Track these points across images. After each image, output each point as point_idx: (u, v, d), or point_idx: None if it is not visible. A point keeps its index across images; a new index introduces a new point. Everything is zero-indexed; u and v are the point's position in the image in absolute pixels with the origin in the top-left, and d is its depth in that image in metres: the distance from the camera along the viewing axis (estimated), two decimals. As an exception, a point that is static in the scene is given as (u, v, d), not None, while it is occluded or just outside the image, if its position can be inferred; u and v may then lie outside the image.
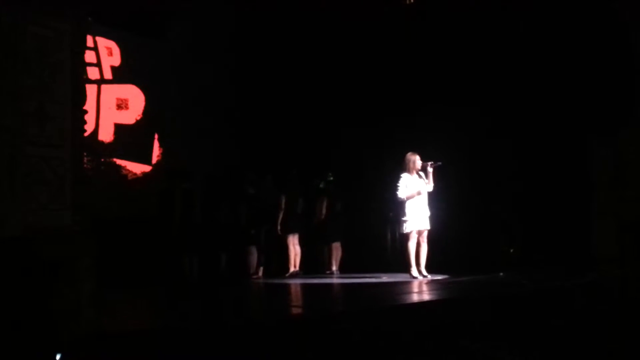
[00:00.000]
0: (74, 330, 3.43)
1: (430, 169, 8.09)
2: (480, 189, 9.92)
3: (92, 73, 9.65)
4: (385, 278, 8.37)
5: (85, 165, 4.66)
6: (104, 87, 9.90)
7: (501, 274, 7.99)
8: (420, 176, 8.15)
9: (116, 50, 10.05)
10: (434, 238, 8.26)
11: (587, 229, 8.82)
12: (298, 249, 9.69)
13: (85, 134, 4.74)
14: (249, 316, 5.37)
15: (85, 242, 3.91)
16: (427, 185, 8.12)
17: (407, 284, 7.57)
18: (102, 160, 9.80)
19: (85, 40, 4.46)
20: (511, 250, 9.81)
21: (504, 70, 9.48)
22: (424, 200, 8.12)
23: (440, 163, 8.11)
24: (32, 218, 3.81)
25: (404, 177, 8.11)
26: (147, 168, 10.28)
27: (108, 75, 9.97)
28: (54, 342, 3.12)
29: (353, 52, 10.57)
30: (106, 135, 9.90)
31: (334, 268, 9.91)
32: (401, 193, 8.07)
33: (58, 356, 2.81)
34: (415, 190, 8.06)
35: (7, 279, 3.22)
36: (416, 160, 8.15)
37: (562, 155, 9.31)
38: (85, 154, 4.61)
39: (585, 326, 5.15)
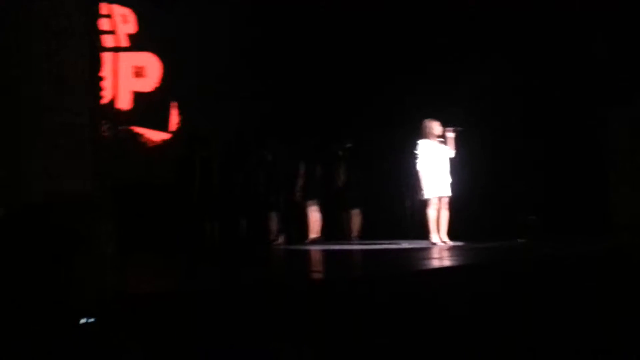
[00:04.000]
0: (98, 295, 3.46)
1: (451, 135, 8.00)
2: (501, 158, 9.81)
3: (108, 41, 9.62)
4: (405, 244, 8.36)
5: (103, 133, 4.66)
6: (120, 55, 9.89)
7: (521, 240, 7.94)
8: (440, 142, 8.07)
9: (131, 17, 10.00)
10: (455, 205, 8.20)
11: (605, 197, 8.74)
12: (318, 215, 9.69)
13: (104, 102, 4.73)
14: (269, 279, 5.39)
15: (105, 208, 3.92)
16: (448, 151, 8.04)
17: (428, 250, 7.56)
18: (121, 127, 9.82)
19: (98, 7, 4.42)
20: (532, 217, 9.73)
21: (521, 39, 9.31)
22: (444, 167, 8.05)
23: (461, 128, 8.02)
24: (53, 185, 3.82)
25: (422, 143, 8.04)
26: (166, 135, 10.30)
27: (124, 43, 9.93)
28: (78, 306, 3.15)
29: (376, 14, 10.40)
30: (124, 103, 9.90)
31: (354, 234, 9.91)
32: (419, 161, 8.01)
33: (83, 320, 2.84)
34: (433, 157, 7.98)
35: (30, 246, 3.24)
36: (434, 126, 8.06)
37: (579, 124, 9.19)
38: (103, 121, 4.60)
39: (603, 293, 5.11)
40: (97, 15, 4.45)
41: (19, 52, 3.79)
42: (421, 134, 8.08)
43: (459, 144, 8.06)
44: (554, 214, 9.30)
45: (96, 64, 4.27)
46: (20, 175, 3.67)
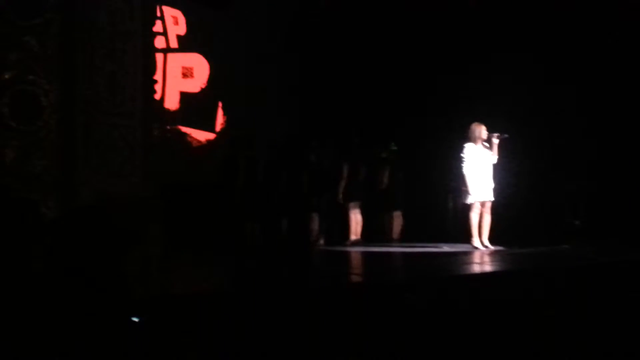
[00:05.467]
0: (145, 293, 3.58)
1: (495, 140, 7.96)
2: (546, 161, 9.70)
3: (159, 42, 9.82)
4: (446, 248, 8.34)
5: (153, 133, 4.79)
6: (169, 55, 10.09)
7: (566, 246, 7.85)
8: (485, 147, 8.03)
9: (181, 19, 10.20)
10: (498, 209, 8.16)
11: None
12: (359, 217, 9.72)
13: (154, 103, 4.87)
14: (308, 282, 5.46)
15: (154, 208, 4.05)
16: (491, 156, 8.01)
17: (469, 254, 7.52)
18: (168, 127, 10.02)
19: (155, 11, 4.57)
20: (576, 222, 9.60)
21: (571, 36, 9.19)
22: (488, 171, 8.01)
23: (506, 135, 7.97)
24: (105, 185, 3.97)
25: (468, 147, 8.01)
26: (211, 135, 10.47)
27: (174, 44, 10.14)
28: (127, 304, 3.27)
29: (418, 15, 10.39)
30: (172, 103, 10.11)
31: (395, 237, 9.92)
32: (465, 164, 7.99)
33: (136, 319, 2.95)
34: (478, 161, 7.96)
35: (82, 246, 3.37)
36: (482, 130, 8.03)
37: (629, 127, 9.01)
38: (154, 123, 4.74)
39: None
40: (154, 18, 4.59)
41: (79, 57, 3.95)
42: (468, 137, 8.05)
43: (501, 150, 8.01)
44: (601, 218, 9.16)
45: (150, 67, 4.42)
46: (74, 176, 3.83)
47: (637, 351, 4.14)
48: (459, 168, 8.06)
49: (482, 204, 8.01)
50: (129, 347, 2.97)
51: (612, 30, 8.99)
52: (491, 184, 8.02)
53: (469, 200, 8.03)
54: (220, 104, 10.56)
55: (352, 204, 9.68)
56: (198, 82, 10.36)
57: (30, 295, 3.14)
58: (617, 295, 5.24)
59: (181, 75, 10.20)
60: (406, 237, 9.91)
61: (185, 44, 10.22)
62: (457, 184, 8.74)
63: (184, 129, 10.25)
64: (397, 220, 10.05)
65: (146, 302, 3.44)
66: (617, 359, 4.12)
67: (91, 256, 3.36)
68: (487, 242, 8.01)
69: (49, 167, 3.77)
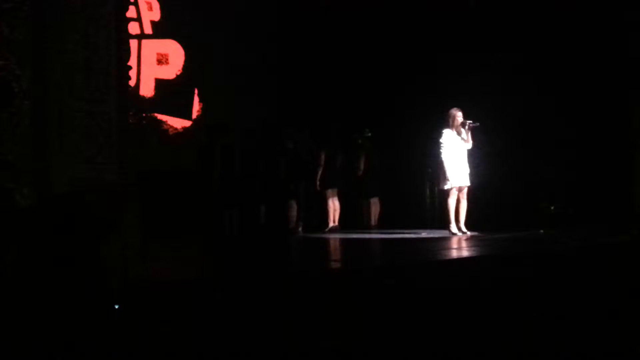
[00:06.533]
0: (123, 281, 3.55)
1: (470, 125, 8.00)
2: (522, 146, 9.78)
3: (133, 28, 9.69)
4: (424, 234, 8.39)
5: (128, 120, 4.73)
6: (144, 42, 9.96)
7: (541, 231, 7.93)
8: (460, 132, 8.06)
9: (156, 5, 10.06)
10: (474, 195, 8.21)
11: (627, 187, 8.67)
12: (337, 204, 9.73)
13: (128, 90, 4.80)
14: (287, 268, 5.46)
15: (130, 196, 4.00)
16: (466, 142, 8.04)
17: (446, 240, 7.58)
18: (144, 114, 9.91)
19: (128, -5, 4.49)
20: (551, 208, 9.70)
21: (545, 29, 9.26)
22: (463, 157, 8.05)
23: (478, 124, 8.00)
24: (80, 173, 3.90)
25: (446, 132, 8.03)
26: (187, 123, 10.38)
27: (148, 30, 10.00)
28: (105, 292, 3.24)
29: (398, 2, 10.38)
30: (147, 90, 9.99)
31: (373, 223, 9.95)
32: (443, 150, 8.00)
33: (116, 307, 2.92)
34: (455, 147, 7.98)
35: (59, 235, 3.33)
36: (458, 115, 8.05)
37: (603, 110, 9.11)
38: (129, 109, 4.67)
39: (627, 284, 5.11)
40: (128, 3, 4.51)
41: (50, 42, 3.87)
42: (446, 123, 8.06)
43: (474, 137, 8.06)
44: (576, 203, 9.26)
45: (124, 53, 4.34)
46: (49, 163, 3.76)
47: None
48: (437, 154, 8.08)
49: (459, 190, 8.05)
50: (108, 335, 2.94)
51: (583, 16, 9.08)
52: (467, 170, 8.06)
53: (446, 186, 8.06)
54: (196, 91, 10.46)
55: (329, 191, 9.69)
56: (173, 68, 10.24)
57: (5, 285, 3.10)
58: (583, 278, 5.30)
59: (156, 61, 10.08)
60: (384, 223, 9.95)
61: (160, 30, 10.09)
62: (434, 170, 8.78)
63: (160, 116, 10.15)
64: (375, 207, 10.08)
65: (124, 290, 3.41)
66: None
67: (67, 245, 3.31)
68: (464, 228, 8.06)
69: (22, 155, 3.70)
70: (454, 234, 7.95)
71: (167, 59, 10.17)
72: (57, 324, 2.89)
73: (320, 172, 9.59)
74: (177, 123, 10.29)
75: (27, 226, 3.34)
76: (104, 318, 2.99)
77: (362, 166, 10.02)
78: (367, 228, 9.88)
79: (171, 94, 10.23)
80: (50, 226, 3.36)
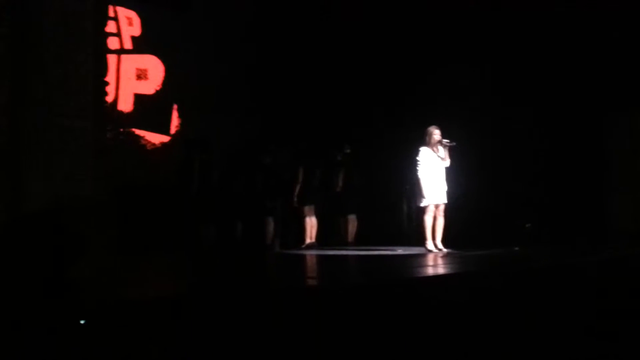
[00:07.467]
0: (97, 298, 3.53)
1: (447, 144, 8.09)
2: (498, 164, 9.91)
3: (112, 43, 9.68)
4: (400, 251, 8.43)
5: (106, 135, 4.73)
6: (123, 57, 9.95)
7: (516, 248, 8.02)
8: (437, 150, 8.15)
9: (136, 20, 10.07)
10: (451, 212, 8.28)
11: (602, 205, 8.81)
12: (314, 220, 9.76)
13: (107, 105, 4.81)
14: (263, 285, 5.46)
15: (107, 212, 3.99)
16: (443, 160, 8.12)
17: (423, 257, 7.63)
18: (122, 130, 9.88)
19: (107, 11, 4.51)
20: (527, 225, 9.82)
21: (524, 52, 9.43)
22: (441, 174, 8.13)
23: (454, 143, 8.09)
24: (56, 188, 3.89)
25: (423, 150, 8.11)
26: (165, 138, 10.36)
27: (128, 45, 10.00)
28: (79, 309, 3.22)
29: (375, 22, 10.50)
30: (126, 105, 9.97)
31: (350, 240, 9.98)
32: (420, 167, 8.07)
33: (82, 322, 2.90)
34: (432, 164, 8.06)
35: (34, 251, 3.31)
36: (435, 133, 8.14)
37: (579, 131, 9.28)
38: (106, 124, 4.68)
39: (600, 302, 5.18)
40: (106, 18, 4.53)
41: (28, 58, 3.87)
42: (423, 140, 8.14)
43: (452, 156, 8.15)
44: (551, 221, 9.39)
45: (102, 68, 4.36)
46: (24, 179, 3.75)
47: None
48: (414, 171, 8.15)
49: (436, 207, 8.12)
50: (79, 353, 2.92)
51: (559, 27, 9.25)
52: (444, 187, 8.14)
53: (423, 203, 8.13)
54: (175, 107, 10.45)
55: (307, 208, 9.71)
56: (153, 84, 10.24)
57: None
58: (563, 294, 5.38)
59: (135, 77, 10.07)
60: (361, 240, 9.98)
61: (140, 46, 10.09)
62: (412, 188, 8.84)
63: (138, 132, 10.12)
64: (352, 224, 10.11)
65: (99, 307, 3.39)
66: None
67: (41, 262, 3.30)
68: (440, 245, 8.12)
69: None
70: (430, 251, 8.01)
71: (146, 75, 10.16)
72: (25, 343, 2.87)
73: (298, 189, 9.62)
74: (155, 138, 10.27)
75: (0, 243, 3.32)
76: (74, 337, 2.98)
77: (340, 183, 10.06)
78: (344, 245, 9.90)
79: (150, 110, 10.21)
80: (23, 243, 3.34)
